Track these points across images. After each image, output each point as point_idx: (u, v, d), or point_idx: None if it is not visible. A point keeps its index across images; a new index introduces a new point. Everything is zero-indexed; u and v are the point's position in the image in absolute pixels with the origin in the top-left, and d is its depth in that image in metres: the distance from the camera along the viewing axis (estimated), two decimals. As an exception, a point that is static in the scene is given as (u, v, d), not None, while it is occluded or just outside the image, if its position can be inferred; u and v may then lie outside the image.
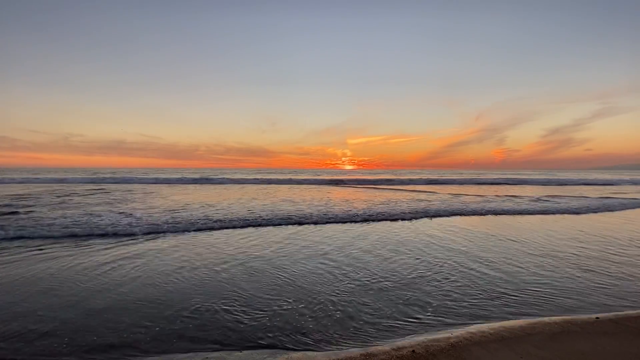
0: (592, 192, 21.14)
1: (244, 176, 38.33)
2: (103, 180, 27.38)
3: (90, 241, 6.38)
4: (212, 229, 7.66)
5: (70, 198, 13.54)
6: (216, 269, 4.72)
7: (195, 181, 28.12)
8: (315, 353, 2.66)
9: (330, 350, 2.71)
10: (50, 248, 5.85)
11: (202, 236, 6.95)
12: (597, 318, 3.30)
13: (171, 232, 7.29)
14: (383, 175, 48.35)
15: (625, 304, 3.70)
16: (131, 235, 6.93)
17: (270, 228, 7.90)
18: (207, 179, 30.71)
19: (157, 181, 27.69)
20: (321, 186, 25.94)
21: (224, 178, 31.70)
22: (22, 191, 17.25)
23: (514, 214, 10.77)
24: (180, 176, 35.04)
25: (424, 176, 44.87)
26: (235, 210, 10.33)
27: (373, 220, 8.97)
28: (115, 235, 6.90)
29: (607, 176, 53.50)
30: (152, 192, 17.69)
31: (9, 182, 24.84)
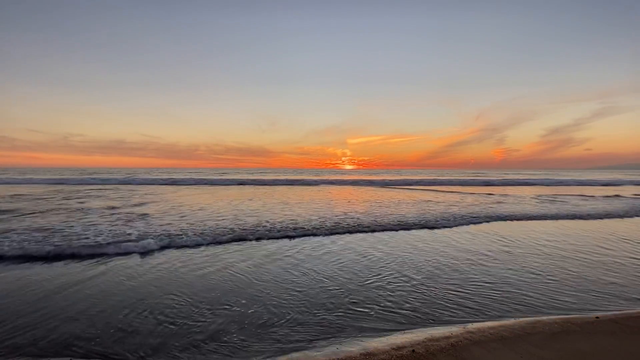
0: (619, 192, 20.52)
1: (244, 177, 38.28)
2: (97, 181, 27.31)
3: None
4: (183, 246, 6.15)
5: (58, 202, 12.88)
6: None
7: (192, 182, 28.01)
8: (315, 353, 2.66)
9: None
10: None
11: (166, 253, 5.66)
12: (597, 318, 3.30)
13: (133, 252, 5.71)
14: (397, 176, 47.98)
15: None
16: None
17: (253, 243, 6.50)
18: (207, 179, 30.68)
19: (155, 182, 27.60)
20: (324, 187, 25.91)
21: (220, 179, 31.58)
22: (20, 192, 17.21)
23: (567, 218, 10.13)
24: (181, 177, 35.04)
25: (431, 176, 44.55)
26: (216, 219, 8.92)
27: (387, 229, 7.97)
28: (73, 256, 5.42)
29: (616, 176, 52.83)
30: (151, 194, 17.66)
31: (3, 182, 24.80)
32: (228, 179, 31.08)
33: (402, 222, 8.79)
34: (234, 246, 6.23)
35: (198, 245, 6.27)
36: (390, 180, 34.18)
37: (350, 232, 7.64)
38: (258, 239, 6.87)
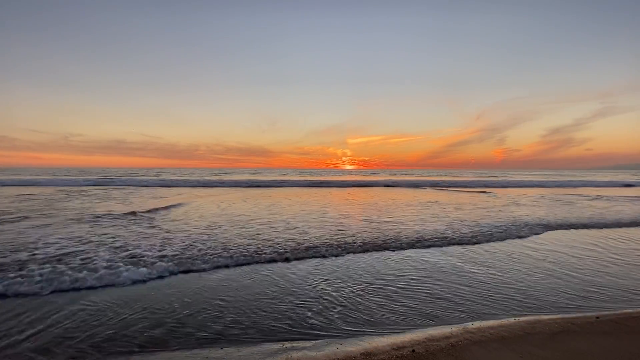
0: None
1: (243, 177, 38.15)
2: (89, 183, 27.20)
3: None
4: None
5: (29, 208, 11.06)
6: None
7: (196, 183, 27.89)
8: (315, 352, 2.66)
9: (330, 350, 2.72)
10: None
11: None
12: (597, 318, 3.30)
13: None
14: (416, 176, 47.04)
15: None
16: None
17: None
18: (207, 180, 30.58)
19: (152, 184, 27.48)
20: (333, 189, 25.81)
21: (217, 180, 31.42)
22: (32, 192, 17.16)
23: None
24: (182, 178, 34.92)
25: (463, 177, 42.98)
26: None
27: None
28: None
29: (624, 177, 51.06)
30: (144, 196, 17.60)
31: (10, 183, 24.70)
32: (232, 181, 30.84)
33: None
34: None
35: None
36: (446, 181, 32.78)
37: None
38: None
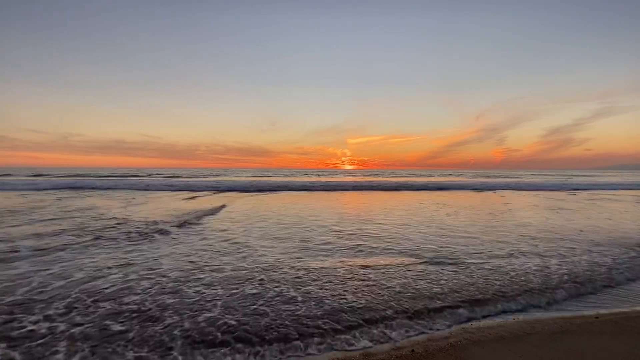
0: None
1: (243, 178, 37.77)
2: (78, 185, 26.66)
3: None
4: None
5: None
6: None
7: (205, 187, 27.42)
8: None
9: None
10: None
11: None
12: (596, 317, 3.29)
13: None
14: (424, 178, 42.68)
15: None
16: None
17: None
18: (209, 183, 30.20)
19: (143, 187, 27.05)
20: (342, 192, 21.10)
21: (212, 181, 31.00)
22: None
23: None
24: (180, 180, 34.53)
25: (459, 178, 39.98)
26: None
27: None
28: None
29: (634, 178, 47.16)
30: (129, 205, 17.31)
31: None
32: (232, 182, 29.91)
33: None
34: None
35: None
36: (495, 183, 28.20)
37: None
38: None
